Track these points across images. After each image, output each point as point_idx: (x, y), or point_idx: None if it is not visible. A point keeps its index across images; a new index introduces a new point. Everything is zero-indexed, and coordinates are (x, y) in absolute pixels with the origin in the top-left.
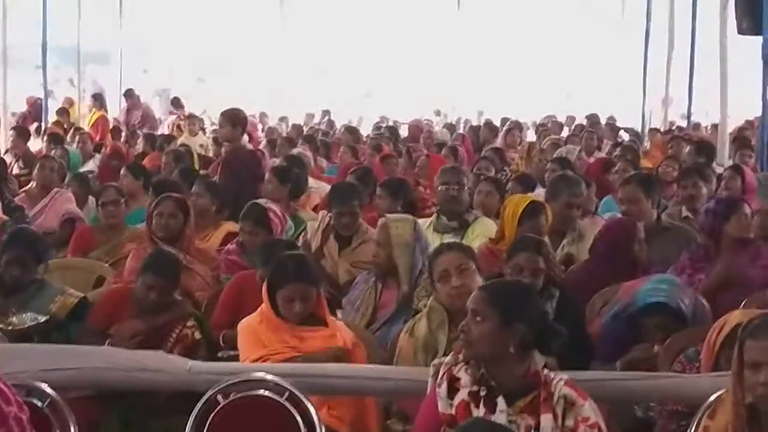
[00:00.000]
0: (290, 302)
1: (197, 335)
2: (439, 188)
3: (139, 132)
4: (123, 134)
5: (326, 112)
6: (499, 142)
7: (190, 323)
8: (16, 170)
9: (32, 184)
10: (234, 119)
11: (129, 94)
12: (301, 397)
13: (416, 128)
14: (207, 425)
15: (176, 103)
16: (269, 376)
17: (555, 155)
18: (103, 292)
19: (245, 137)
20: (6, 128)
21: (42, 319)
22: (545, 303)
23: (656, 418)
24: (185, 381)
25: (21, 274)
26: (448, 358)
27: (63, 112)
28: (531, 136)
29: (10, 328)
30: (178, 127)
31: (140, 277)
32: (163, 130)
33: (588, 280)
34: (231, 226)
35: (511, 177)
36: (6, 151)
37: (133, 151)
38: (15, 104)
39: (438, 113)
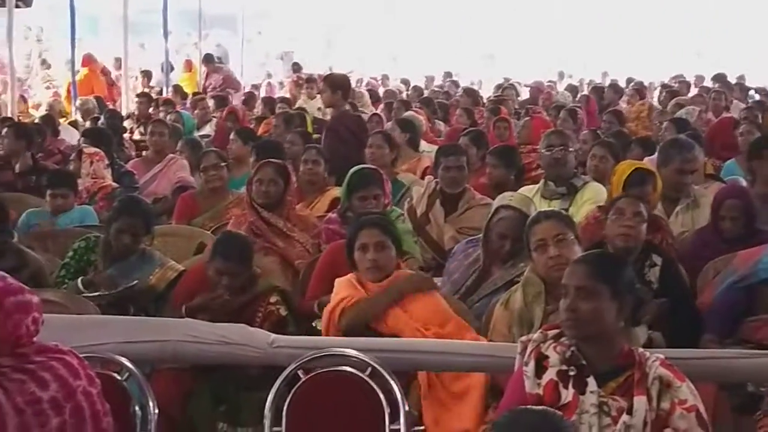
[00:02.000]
0: (364, 251)
1: (282, 311)
2: (543, 152)
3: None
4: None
5: (447, 74)
6: (623, 104)
7: (273, 299)
8: (137, 136)
9: (148, 149)
10: (334, 84)
11: (208, 59)
12: (384, 372)
13: (536, 90)
14: (288, 400)
15: (296, 66)
16: (352, 351)
17: (675, 116)
18: (191, 265)
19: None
20: (128, 93)
21: (132, 283)
22: (647, 271)
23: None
24: (267, 355)
25: (130, 244)
26: (536, 335)
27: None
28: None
29: (98, 293)
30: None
31: (210, 263)
32: (284, 93)
33: (702, 248)
34: (337, 192)
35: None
36: (128, 116)
37: (250, 115)
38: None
39: (561, 75)
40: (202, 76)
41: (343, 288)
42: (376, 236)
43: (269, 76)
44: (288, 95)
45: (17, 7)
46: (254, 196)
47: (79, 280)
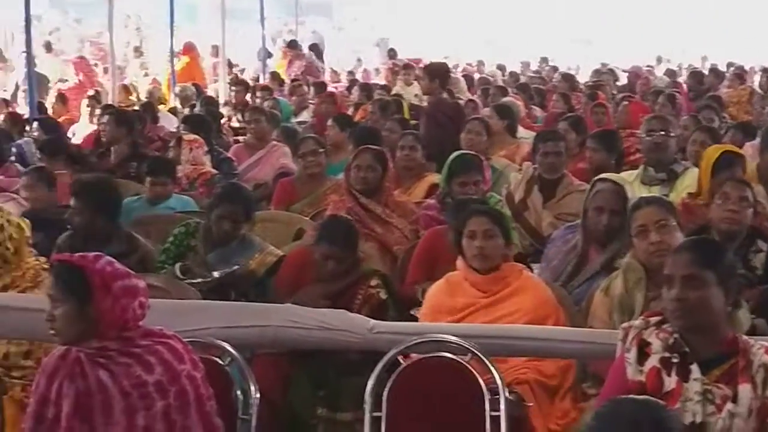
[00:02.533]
0: (472, 239)
1: (383, 295)
2: (644, 137)
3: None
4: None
5: (544, 60)
6: (723, 89)
7: (373, 282)
8: (235, 123)
9: (248, 135)
10: (433, 72)
11: (292, 45)
12: (484, 358)
13: (634, 75)
14: (388, 386)
15: (392, 53)
16: (451, 337)
17: None
18: (292, 250)
19: None
20: (225, 79)
21: (233, 269)
22: (751, 257)
23: None
24: (366, 340)
25: (231, 230)
26: (637, 322)
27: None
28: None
29: (199, 280)
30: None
31: (316, 247)
32: (379, 80)
33: None
34: (435, 178)
35: (730, 125)
36: (225, 103)
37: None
38: (237, 56)
39: (659, 60)
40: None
41: (456, 291)
42: (485, 224)
43: (360, 62)
44: (384, 82)
45: None
46: (353, 182)
47: (177, 265)
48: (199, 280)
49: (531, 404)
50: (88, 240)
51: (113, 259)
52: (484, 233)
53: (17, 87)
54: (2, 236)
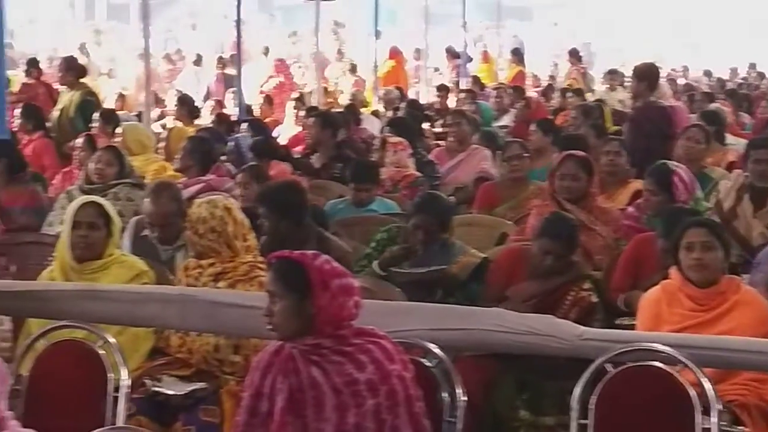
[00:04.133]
0: (689, 250)
1: (594, 298)
2: None
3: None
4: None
5: (752, 66)
6: None
7: (586, 286)
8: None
9: (449, 139)
10: (641, 74)
11: (449, 51)
12: (697, 369)
13: None
14: (595, 393)
15: (575, 55)
16: (663, 347)
17: None
18: (501, 250)
19: None
20: (426, 83)
21: (441, 267)
22: None
23: None
24: (575, 347)
25: (424, 240)
26: None
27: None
28: None
29: (407, 270)
30: (575, 79)
31: (536, 241)
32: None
33: None
34: (639, 185)
35: None
36: (428, 107)
37: (548, 106)
38: (437, 60)
39: None
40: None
41: (673, 301)
42: (704, 236)
43: (556, 67)
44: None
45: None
46: (557, 189)
47: (375, 263)
48: (408, 271)
49: (747, 430)
50: (284, 243)
51: (331, 258)
52: (702, 245)
53: (209, 91)
54: (204, 228)
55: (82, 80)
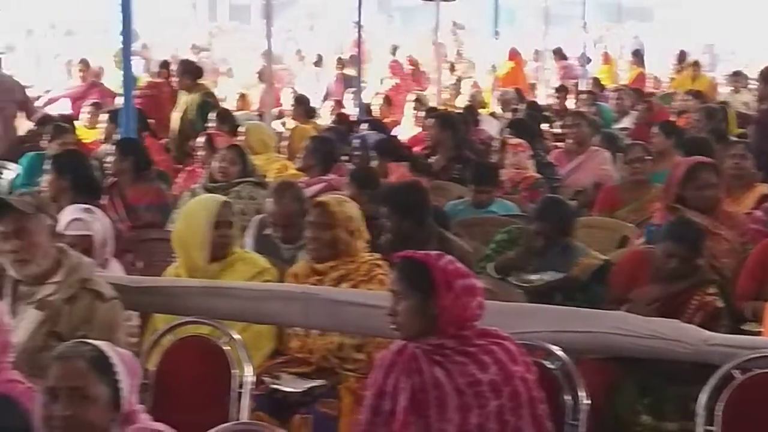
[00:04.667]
0: None
1: (719, 303)
2: None
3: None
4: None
5: None
6: None
7: (711, 290)
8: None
9: (568, 140)
10: (766, 76)
11: (557, 52)
12: None
13: None
14: (722, 400)
15: (681, 56)
16: None
17: None
18: (623, 253)
19: None
20: (546, 84)
21: (558, 276)
22: None
23: None
24: (700, 353)
25: (544, 246)
26: None
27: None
28: None
29: (526, 285)
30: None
31: (661, 244)
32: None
33: None
34: (765, 189)
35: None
36: (546, 108)
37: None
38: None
39: None
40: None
41: None
42: None
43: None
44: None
45: (445, 0)
46: (690, 198)
47: (491, 264)
48: (527, 284)
49: None
50: (406, 243)
51: (454, 258)
52: None
53: (328, 91)
54: (353, 226)
55: (199, 81)
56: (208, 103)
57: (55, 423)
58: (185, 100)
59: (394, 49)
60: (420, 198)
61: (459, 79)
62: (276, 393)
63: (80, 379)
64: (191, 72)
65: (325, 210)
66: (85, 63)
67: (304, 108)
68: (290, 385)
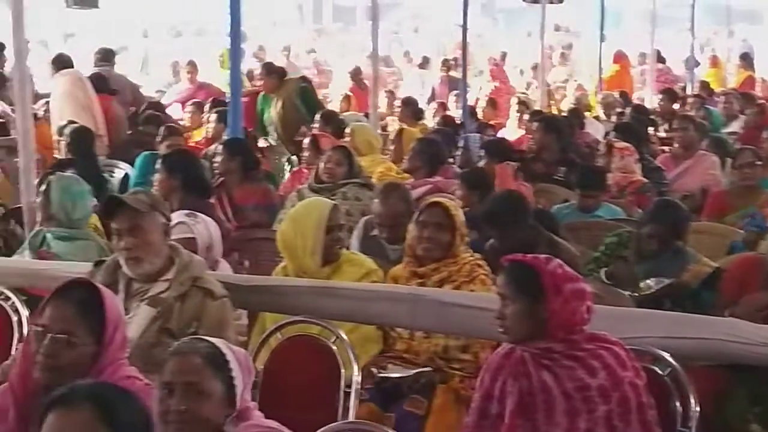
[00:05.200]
0: None
1: None
2: None
3: None
4: None
5: None
6: None
7: None
8: (662, 133)
9: (675, 144)
10: None
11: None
12: None
13: None
14: None
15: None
16: None
17: None
18: (733, 259)
19: None
20: (652, 88)
21: (666, 282)
22: None
23: None
24: None
25: (657, 249)
26: None
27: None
28: None
29: (636, 294)
30: None
31: None
32: None
33: None
34: None
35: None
36: (652, 112)
37: None
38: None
39: None
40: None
41: None
42: None
43: None
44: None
45: (550, 2)
46: None
47: (602, 270)
48: (640, 288)
49: None
50: (515, 246)
51: (563, 262)
52: None
53: (433, 93)
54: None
55: (286, 79)
56: (306, 87)
57: (170, 417)
58: (279, 94)
59: (503, 55)
60: (519, 205)
61: (564, 82)
62: (384, 381)
63: (196, 375)
64: (277, 73)
65: (446, 212)
66: (192, 65)
67: (411, 110)
68: (397, 372)
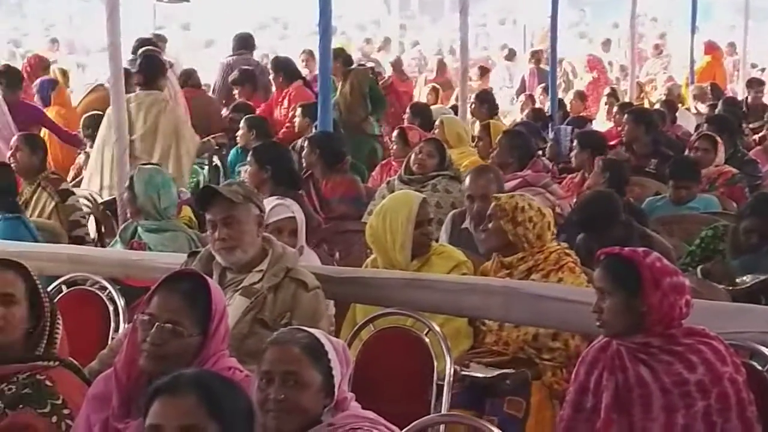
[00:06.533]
0: None
1: None
2: None
3: None
4: None
5: None
6: None
7: None
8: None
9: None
10: None
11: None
12: None
13: None
14: None
15: None
16: None
17: None
18: None
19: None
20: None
21: (762, 277)
22: None
23: None
24: None
25: (757, 244)
26: None
27: None
28: None
29: (731, 288)
30: None
31: None
32: None
33: None
34: None
35: None
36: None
37: None
38: (754, 55)
39: None
40: None
41: None
42: None
43: None
44: None
45: None
46: None
47: (699, 268)
48: (736, 284)
49: None
50: (605, 240)
51: (661, 256)
52: None
53: (523, 81)
54: (523, 217)
55: (352, 67)
56: (375, 80)
57: (269, 406)
58: (344, 79)
59: (608, 44)
60: (612, 203)
61: (656, 74)
62: (465, 380)
63: (294, 364)
64: (342, 57)
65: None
66: (309, 53)
67: (488, 107)
68: (480, 372)
